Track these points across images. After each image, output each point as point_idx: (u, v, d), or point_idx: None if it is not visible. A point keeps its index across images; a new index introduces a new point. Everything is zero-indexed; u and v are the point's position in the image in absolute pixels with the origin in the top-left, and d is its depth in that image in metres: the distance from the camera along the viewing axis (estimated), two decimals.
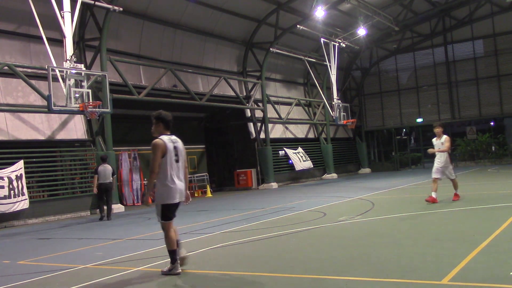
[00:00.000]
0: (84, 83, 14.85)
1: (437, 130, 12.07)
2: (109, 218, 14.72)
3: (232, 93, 24.55)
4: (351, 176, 32.42)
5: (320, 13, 23.65)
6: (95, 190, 14.72)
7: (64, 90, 14.49)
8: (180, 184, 6.34)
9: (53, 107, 14.39)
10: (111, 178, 14.70)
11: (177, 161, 6.33)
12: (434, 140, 12.16)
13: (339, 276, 5.56)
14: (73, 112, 15.70)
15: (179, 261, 6.30)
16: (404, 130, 39.19)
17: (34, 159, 16.60)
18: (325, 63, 27.17)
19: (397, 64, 36.09)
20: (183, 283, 5.86)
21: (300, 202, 15.51)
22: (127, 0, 19.06)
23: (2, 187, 14.49)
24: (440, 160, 11.97)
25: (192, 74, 23.02)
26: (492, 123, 35.73)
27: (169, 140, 6.32)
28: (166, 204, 6.27)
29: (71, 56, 14.63)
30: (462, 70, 33.70)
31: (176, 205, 6.41)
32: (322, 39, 26.03)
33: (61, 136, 17.58)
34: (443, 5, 31.16)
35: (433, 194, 11.82)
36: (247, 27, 25.44)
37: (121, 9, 17.27)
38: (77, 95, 14.64)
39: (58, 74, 14.49)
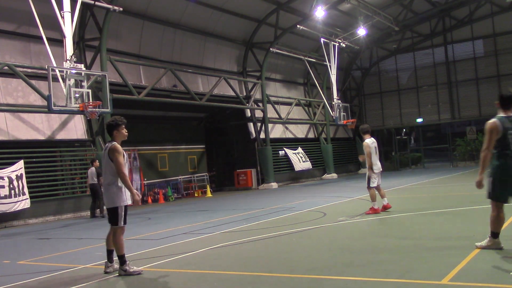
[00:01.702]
0: (84, 83, 14.86)
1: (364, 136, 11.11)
2: (102, 214, 15.72)
3: (232, 93, 24.55)
4: (351, 176, 32.42)
5: (320, 13, 23.65)
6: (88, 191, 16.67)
7: (64, 90, 14.49)
8: (104, 190, 6.72)
9: (53, 107, 14.40)
10: (95, 179, 15.85)
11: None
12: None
13: (339, 276, 5.56)
14: (73, 112, 15.70)
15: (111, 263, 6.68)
16: (404, 130, 39.20)
17: (34, 159, 16.61)
18: (325, 63, 27.16)
19: (397, 64, 36.08)
20: (183, 283, 5.87)
21: (300, 202, 15.51)
22: (127, 0, 19.06)
23: (3, 186, 14.50)
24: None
25: (192, 74, 23.02)
26: None
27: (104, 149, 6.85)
28: None
29: (71, 56, 14.63)
30: (462, 70, 33.69)
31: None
32: (322, 39, 26.03)
33: (61, 136, 17.59)
34: (443, 5, 31.16)
35: (375, 205, 10.89)
36: (247, 27, 25.45)
37: (121, 9, 17.26)
38: (77, 95, 14.65)
39: (58, 74, 14.49)
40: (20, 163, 15.32)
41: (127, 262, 6.47)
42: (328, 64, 26.86)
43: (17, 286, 6.37)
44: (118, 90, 18.67)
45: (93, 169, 15.97)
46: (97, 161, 15.98)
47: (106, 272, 6.59)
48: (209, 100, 22.51)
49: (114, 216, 6.46)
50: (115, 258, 6.62)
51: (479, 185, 6.08)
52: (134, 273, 6.39)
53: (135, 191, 6.61)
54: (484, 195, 6.32)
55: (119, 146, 6.53)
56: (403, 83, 36.14)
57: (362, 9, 25.70)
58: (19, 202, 14.96)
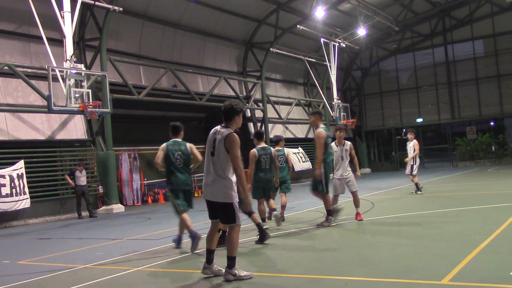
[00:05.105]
0: (84, 83, 14.85)
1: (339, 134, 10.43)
2: (91, 215, 16.23)
3: (232, 93, 24.54)
4: None
5: (320, 13, 23.65)
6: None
7: (64, 90, 14.48)
8: (207, 180, 5.91)
9: (53, 107, 14.39)
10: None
11: (212, 154, 5.92)
12: (333, 144, 10.38)
13: (339, 276, 5.56)
14: (73, 112, 15.70)
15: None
16: (404, 130, 39.20)
17: (34, 159, 16.60)
18: (325, 63, 27.17)
19: (397, 64, 36.07)
20: (183, 283, 5.86)
21: (300, 202, 15.51)
22: (127, 0, 19.05)
23: (4, 185, 14.47)
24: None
25: (192, 74, 23.02)
26: (492, 123, 35.70)
27: (213, 131, 6.11)
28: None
29: (71, 56, 14.62)
30: (462, 70, 33.68)
31: (208, 204, 5.91)
32: (322, 39, 26.04)
33: (61, 136, 17.58)
34: (443, 5, 31.15)
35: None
36: (247, 27, 25.45)
37: (121, 9, 17.25)
38: (77, 95, 14.65)
39: (58, 74, 14.48)
40: (21, 163, 15.31)
41: (236, 266, 5.74)
42: (328, 64, 26.86)
43: (17, 286, 6.37)
44: (118, 90, 18.67)
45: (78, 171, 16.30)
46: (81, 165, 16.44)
47: (203, 273, 5.94)
48: (209, 100, 22.50)
49: (230, 213, 5.70)
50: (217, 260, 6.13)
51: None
52: (244, 278, 5.62)
53: (249, 198, 5.68)
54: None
55: (237, 137, 5.85)
56: (403, 83, 36.13)
57: (362, 9, 25.71)
58: (20, 201, 14.94)
